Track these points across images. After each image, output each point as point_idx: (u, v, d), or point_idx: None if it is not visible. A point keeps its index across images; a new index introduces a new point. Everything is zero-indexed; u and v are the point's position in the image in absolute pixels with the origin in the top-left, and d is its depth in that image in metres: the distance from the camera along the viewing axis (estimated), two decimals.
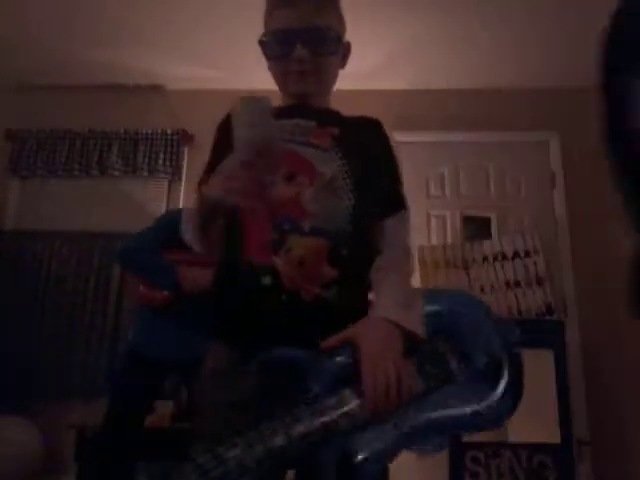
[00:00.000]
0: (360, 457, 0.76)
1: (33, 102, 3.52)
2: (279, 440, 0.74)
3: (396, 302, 0.92)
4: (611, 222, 3.14)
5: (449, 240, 3.25)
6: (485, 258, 3.05)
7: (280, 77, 1.09)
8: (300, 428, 0.76)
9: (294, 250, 0.92)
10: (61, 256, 3.20)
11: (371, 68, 3.26)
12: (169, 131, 3.38)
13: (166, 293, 1.94)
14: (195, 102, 3.49)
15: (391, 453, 0.81)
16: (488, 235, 3.23)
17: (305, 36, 1.03)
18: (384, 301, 0.93)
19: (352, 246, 0.96)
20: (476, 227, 3.29)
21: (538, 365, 2.50)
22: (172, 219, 2.06)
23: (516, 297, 2.95)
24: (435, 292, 1.06)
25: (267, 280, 0.92)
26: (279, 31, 1.05)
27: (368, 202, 1.01)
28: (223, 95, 3.50)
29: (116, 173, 3.36)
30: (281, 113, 1.06)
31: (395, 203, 1.05)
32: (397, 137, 3.82)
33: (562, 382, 2.46)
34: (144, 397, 2.01)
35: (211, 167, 1.04)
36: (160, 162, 3.34)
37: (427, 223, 3.32)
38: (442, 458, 2.42)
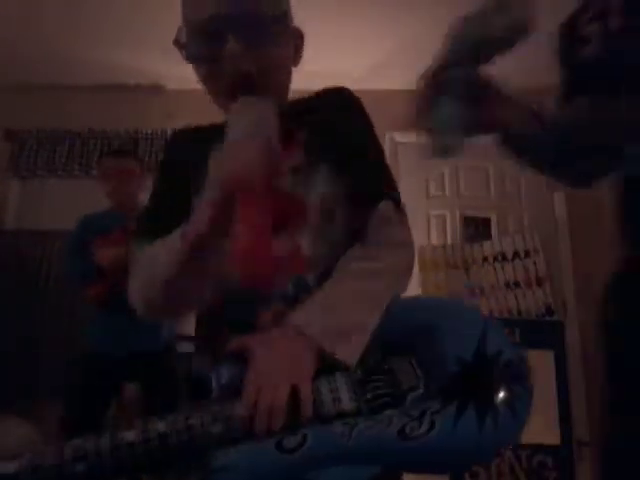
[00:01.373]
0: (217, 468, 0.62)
1: (33, 102, 3.52)
2: (131, 435, 0.63)
3: (325, 308, 0.69)
4: (611, 222, 3.14)
5: (449, 240, 3.25)
6: (485, 258, 3.05)
7: (214, 87, 0.79)
8: (161, 426, 0.63)
9: None
10: (61, 256, 3.20)
11: (371, 68, 3.26)
12: (169, 131, 3.38)
13: (97, 287, 2.02)
14: (195, 102, 3.49)
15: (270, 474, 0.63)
16: (488, 235, 3.23)
17: (237, 24, 0.73)
18: (310, 305, 0.70)
19: None
20: (476, 227, 3.29)
21: (538, 365, 2.50)
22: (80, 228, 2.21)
23: (516, 297, 2.95)
24: (418, 302, 0.80)
25: None
26: (199, 22, 0.75)
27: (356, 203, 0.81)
28: None
29: None
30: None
31: (375, 194, 0.81)
32: (397, 137, 3.82)
33: (562, 382, 2.46)
34: (98, 397, 2.06)
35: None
36: None
37: (427, 223, 3.32)
38: None
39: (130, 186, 2.17)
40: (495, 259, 3.04)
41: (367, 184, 0.82)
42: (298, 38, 0.86)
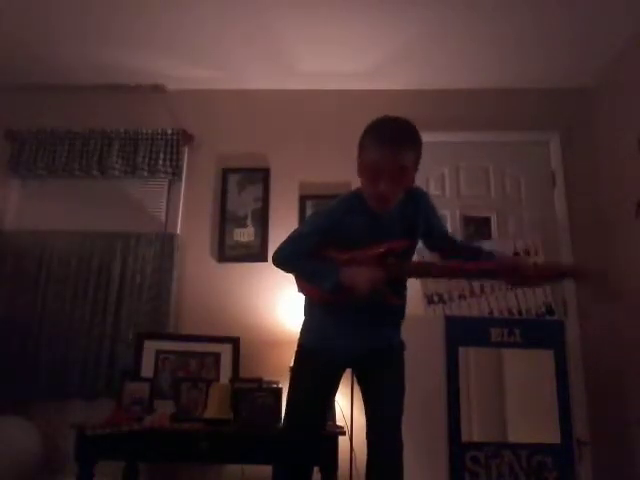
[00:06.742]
0: None
1: (33, 102, 3.52)
2: None
3: None
4: (611, 222, 3.14)
5: None
6: None
7: None
8: None
9: None
10: (61, 256, 3.20)
11: (372, 68, 3.26)
12: (169, 131, 3.38)
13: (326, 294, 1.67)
14: (195, 102, 3.49)
15: None
16: (488, 235, 3.24)
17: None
18: None
19: None
20: (476, 227, 3.29)
21: (538, 365, 2.50)
22: (324, 221, 1.78)
23: (516, 297, 2.94)
24: None
25: None
26: None
27: None
28: (223, 95, 3.53)
29: (116, 173, 3.36)
30: None
31: None
32: None
33: (562, 382, 2.46)
34: (325, 392, 1.80)
35: None
36: (160, 162, 3.33)
37: None
38: (442, 458, 2.42)
39: None
40: None
41: None
42: None
